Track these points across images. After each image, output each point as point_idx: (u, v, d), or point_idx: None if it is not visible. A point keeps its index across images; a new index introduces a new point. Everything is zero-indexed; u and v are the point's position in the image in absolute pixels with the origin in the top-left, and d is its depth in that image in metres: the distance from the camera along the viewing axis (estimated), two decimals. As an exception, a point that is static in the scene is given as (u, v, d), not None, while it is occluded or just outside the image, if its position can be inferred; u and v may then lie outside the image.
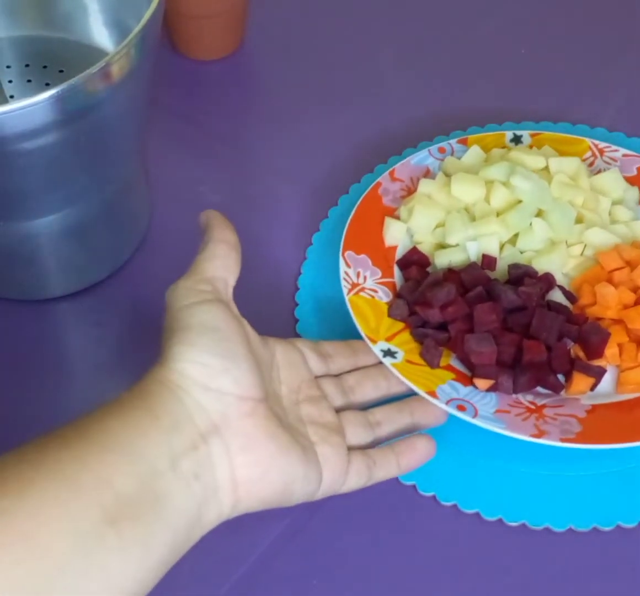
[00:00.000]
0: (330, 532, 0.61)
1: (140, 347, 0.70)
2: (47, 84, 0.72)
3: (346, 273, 0.67)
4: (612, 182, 0.72)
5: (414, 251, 0.69)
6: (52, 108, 0.54)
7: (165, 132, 0.80)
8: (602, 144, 0.75)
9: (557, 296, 0.66)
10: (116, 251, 0.72)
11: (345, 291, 0.66)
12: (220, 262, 0.56)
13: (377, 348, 0.63)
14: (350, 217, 0.70)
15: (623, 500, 0.61)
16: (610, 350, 0.64)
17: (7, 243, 0.67)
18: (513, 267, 0.67)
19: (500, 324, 0.63)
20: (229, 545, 0.60)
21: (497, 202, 0.70)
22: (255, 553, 0.60)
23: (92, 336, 0.71)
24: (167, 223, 0.76)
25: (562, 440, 0.59)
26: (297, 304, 0.70)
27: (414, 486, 0.62)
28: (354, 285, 0.67)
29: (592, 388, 0.63)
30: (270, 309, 0.70)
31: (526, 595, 0.59)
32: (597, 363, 0.64)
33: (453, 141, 0.75)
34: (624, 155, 0.75)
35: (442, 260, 0.68)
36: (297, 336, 0.69)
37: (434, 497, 0.61)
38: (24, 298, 0.71)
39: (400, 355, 0.63)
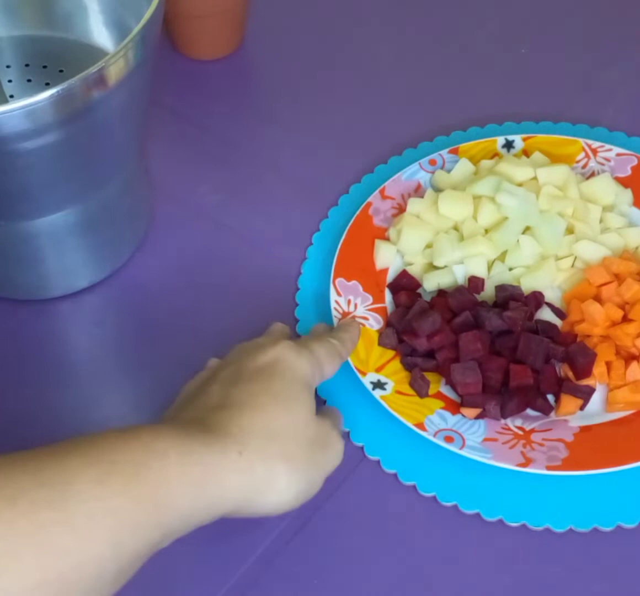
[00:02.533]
0: (330, 532, 0.61)
1: (140, 347, 0.70)
2: (47, 84, 0.72)
3: (337, 302, 0.67)
4: (602, 188, 0.72)
5: (403, 274, 0.69)
6: (52, 108, 0.54)
7: (165, 132, 0.80)
8: (595, 144, 0.75)
9: (546, 314, 0.67)
10: (116, 251, 0.72)
11: (335, 321, 0.67)
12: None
13: (367, 380, 0.64)
14: (341, 241, 0.71)
15: (623, 501, 0.61)
16: (598, 369, 0.64)
17: (8, 243, 0.67)
18: (499, 289, 0.67)
19: (488, 349, 0.64)
20: (229, 545, 0.60)
21: (485, 219, 0.70)
22: (255, 553, 0.60)
23: (92, 336, 0.71)
24: (167, 223, 0.76)
25: (548, 468, 0.60)
26: (297, 304, 0.70)
27: (414, 487, 0.62)
28: (344, 314, 0.67)
29: (582, 408, 0.64)
30: (270, 309, 0.70)
31: (526, 595, 0.59)
32: (585, 382, 0.64)
33: (444, 152, 0.75)
34: (618, 154, 0.75)
35: (431, 283, 0.69)
36: (297, 336, 0.69)
37: (434, 497, 0.61)
38: (24, 298, 0.71)
39: (390, 386, 0.64)
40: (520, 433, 0.62)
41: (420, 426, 0.62)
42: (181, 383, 0.67)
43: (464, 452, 0.61)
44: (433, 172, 0.74)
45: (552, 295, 0.68)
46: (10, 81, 0.72)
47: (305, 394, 0.55)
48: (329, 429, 0.55)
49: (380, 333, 0.67)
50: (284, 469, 0.51)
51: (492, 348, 0.65)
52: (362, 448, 0.64)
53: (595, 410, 0.64)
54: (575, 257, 0.69)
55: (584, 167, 0.75)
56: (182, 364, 0.68)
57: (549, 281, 0.68)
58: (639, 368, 0.64)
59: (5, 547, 0.40)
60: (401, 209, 0.73)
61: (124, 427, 0.49)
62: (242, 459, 0.49)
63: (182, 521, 0.47)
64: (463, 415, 0.63)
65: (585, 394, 0.63)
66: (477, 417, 0.63)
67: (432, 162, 0.75)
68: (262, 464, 0.50)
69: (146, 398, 0.67)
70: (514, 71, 0.85)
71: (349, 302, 0.68)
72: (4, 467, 0.43)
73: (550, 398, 0.64)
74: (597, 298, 0.66)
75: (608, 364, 0.65)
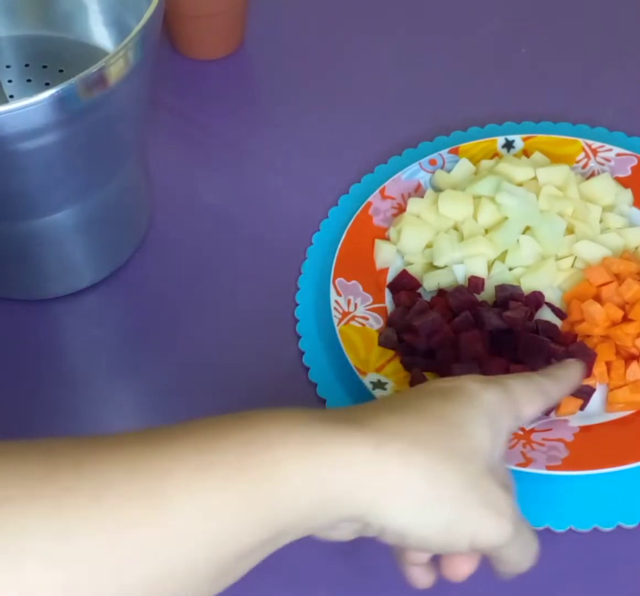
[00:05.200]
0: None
1: (140, 347, 0.70)
2: (47, 84, 0.72)
3: (337, 302, 0.67)
4: (602, 188, 0.72)
5: (403, 274, 0.69)
6: (52, 108, 0.54)
7: (165, 132, 0.80)
8: (595, 144, 0.75)
9: (546, 314, 0.67)
10: (116, 251, 0.72)
11: (335, 321, 0.66)
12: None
13: (367, 380, 0.64)
14: (341, 241, 0.70)
15: (623, 500, 0.61)
16: (598, 369, 0.64)
17: (7, 243, 0.67)
18: (499, 289, 0.67)
19: (488, 349, 0.64)
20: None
21: (485, 219, 0.70)
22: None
23: (92, 336, 0.71)
24: (167, 223, 0.76)
25: (549, 468, 0.60)
26: (297, 304, 0.70)
27: (414, 487, 0.62)
28: (344, 314, 0.67)
29: (582, 408, 0.64)
30: (271, 309, 0.70)
31: (526, 595, 0.58)
32: (585, 382, 0.64)
33: (444, 152, 0.75)
34: (618, 154, 0.75)
35: (431, 282, 0.69)
36: (297, 337, 0.69)
37: (434, 497, 0.61)
38: (24, 298, 0.71)
39: (390, 386, 0.64)
40: (520, 432, 0.62)
41: None
42: (181, 382, 0.67)
43: None
44: (433, 172, 0.74)
45: (552, 295, 0.68)
46: (10, 81, 0.72)
47: (481, 428, 0.44)
48: (505, 496, 0.44)
49: (380, 332, 0.67)
50: (422, 484, 0.41)
51: (492, 348, 0.64)
52: (362, 448, 0.63)
53: (595, 410, 0.64)
54: (575, 257, 0.69)
55: (584, 167, 0.75)
56: (182, 364, 0.69)
57: (549, 281, 0.68)
58: (639, 368, 0.64)
59: (84, 554, 0.35)
60: (401, 209, 0.73)
61: (241, 412, 0.41)
62: (377, 455, 0.40)
63: (297, 521, 0.40)
64: None
65: (585, 394, 0.63)
66: (477, 417, 0.62)
67: (432, 162, 0.75)
68: (400, 467, 0.41)
69: (146, 398, 0.67)
70: (514, 71, 0.85)
71: (349, 302, 0.68)
72: (94, 452, 0.38)
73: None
74: (597, 298, 0.66)
75: (608, 364, 0.65)
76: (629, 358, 0.64)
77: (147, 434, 0.39)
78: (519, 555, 0.46)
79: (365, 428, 0.41)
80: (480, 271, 0.68)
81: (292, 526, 0.40)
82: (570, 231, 0.70)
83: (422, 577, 0.49)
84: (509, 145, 0.76)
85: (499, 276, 0.68)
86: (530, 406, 0.48)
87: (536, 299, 0.67)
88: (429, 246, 0.70)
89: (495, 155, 0.76)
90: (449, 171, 0.74)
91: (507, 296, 0.66)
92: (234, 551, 0.38)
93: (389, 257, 0.70)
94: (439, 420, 0.43)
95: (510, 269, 0.69)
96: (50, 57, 0.72)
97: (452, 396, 0.45)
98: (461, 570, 0.47)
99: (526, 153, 0.75)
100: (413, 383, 0.64)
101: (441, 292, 0.68)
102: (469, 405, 0.45)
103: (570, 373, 0.54)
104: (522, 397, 0.47)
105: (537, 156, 0.74)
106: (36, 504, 0.35)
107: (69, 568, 0.35)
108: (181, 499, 0.37)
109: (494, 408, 0.45)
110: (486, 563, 0.59)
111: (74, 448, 0.38)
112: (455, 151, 0.75)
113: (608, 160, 0.75)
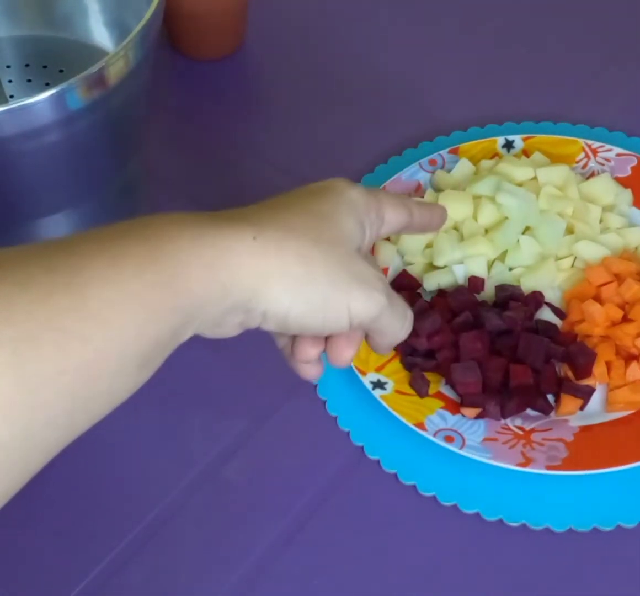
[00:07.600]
0: (330, 532, 0.61)
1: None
2: (47, 84, 0.72)
3: None
4: (602, 188, 0.72)
5: (403, 274, 0.69)
6: (52, 108, 0.54)
7: (165, 132, 0.80)
8: (595, 144, 0.75)
9: (546, 314, 0.67)
10: (116, 251, 0.72)
11: None
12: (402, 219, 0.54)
13: (367, 380, 0.64)
14: None
15: (623, 501, 0.61)
16: (599, 369, 0.64)
17: (7, 243, 0.67)
18: (499, 289, 0.67)
19: (488, 349, 0.64)
20: (229, 545, 0.60)
21: (485, 219, 0.70)
22: (255, 553, 0.60)
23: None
24: (167, 223, 0.75)
25: (548, 468, 0.60)
26: (297, 304, 0.70)
27: (414, 487, 0.62)
28: None
29: (582, 408, 0.64)
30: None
31: (526, 595, 0.58)
32: (586, 381, 0.64)
33: (444, 152, 0.75)
34: (618, 154, 0.75)
35: (431, 283, 0.69)
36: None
37: (434, 497, 0.61)
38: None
39: (390, 385, 0.64)
40: (520, 432, 0.62)
41: (420, 425, 0.62)
42: (182, 381, 0.67)
43: (464, 452, 0.61)
44: (433, 172, 0.74)
45: (552, 295, 0.68)
46: (10, 81, 0.72)
47: (347, 218, 0.49)
48: (375, 272, 0.49)
49: None
50: (297, 265, 0.46)
51: (492, 347, 0.64)
52: (362, 448, 0.63)
53: (595, 410, 0.64)
54: (575, 257, 0.69)
55: (583, 167, 0.75)
56: (182, 362, 0.69)
57: (549, 281, 0.68)
58: (639, 368, 0.64)
59: (23, 334, 0.37)
60: (401, 209, 0.72)
61: (130, 220, 0.45)
62: (256, 244, 0.45)
63: (198, 307, 0.44)
64: (463, 415, 0.63)
65: (585, 394, 0.63)
66: (477, 417, 0.63)
67: (432, 163, 0.75)
68: (276, 252, 0.46)
69: (146, 387, 0.67)
70: (514, 71, 0.85)
71: None
72: (12, 255, 0.41)
73: (550, 397, 0.64)
74: (597, 298, 0.66)
75: (608, 364, 0.65)
76: (629, 358, 0.64)
77: (56, 242, 0.42)
78: (395, 323, 0.50)
79: (245, 222, 0.46)
80: (480, 271, 0.68)
81: (195, 313, 0.44)
82: (570, 231, 0.70)
83: (311, 371, 0.53)
84: (509, 145, 0.76)
85: (499, 276, 0.68)
86: (393, 210, 0.53)
87: (536, 299, 0.67)
88: (428, 246, 0.70)
89: (495, 155, 0.76)
90: (449, 171, 0.74)
91: (507, 296, 0.66)
92: (155, 336, 0.42)
93: (389, 257, 0.70)
94: (309, 213, 0.49)
95: (510, 269, 0.69)
96: (50, 57, 0.72)
97: (320, 193, 0.51)
98: (345, 354, 0.51)
99: (526, 153, 0.75)
100: (413, 382, 0.64)
101: (441, 293, 0.68)
102: (335, 200, 0.50)
103: (434, 208, 0.58)
104: (386, 201, 0.52)
105: (537, 156, 0.74)
106: None
107: (14, 346, 0.37)
108: (101, 288, 0.40)
109: (359, 203, 0.50)
110: (486, 565, 0.60)
111: None
112: (455, 151, 0.75)
113: (608, 160, 0.75)
